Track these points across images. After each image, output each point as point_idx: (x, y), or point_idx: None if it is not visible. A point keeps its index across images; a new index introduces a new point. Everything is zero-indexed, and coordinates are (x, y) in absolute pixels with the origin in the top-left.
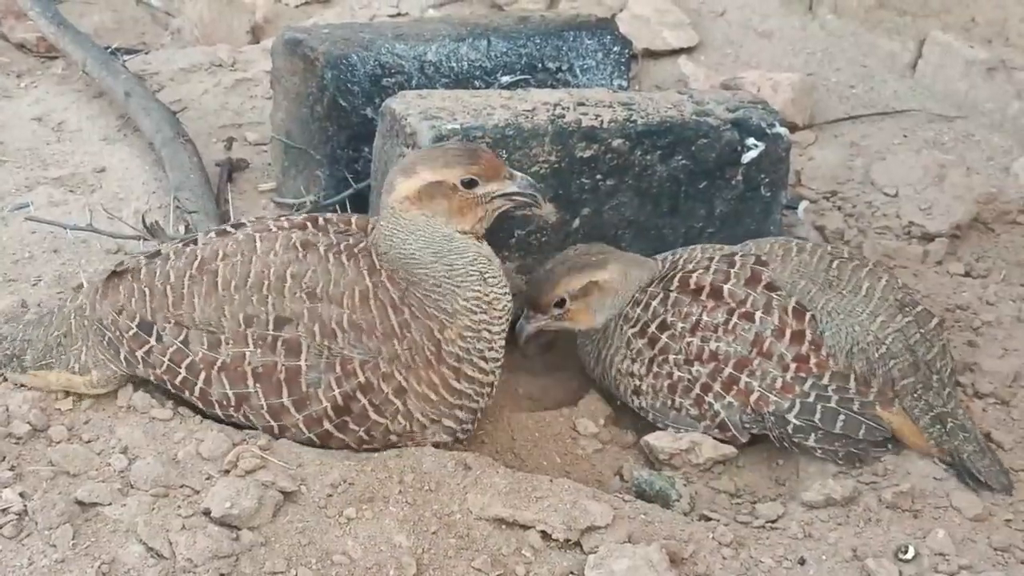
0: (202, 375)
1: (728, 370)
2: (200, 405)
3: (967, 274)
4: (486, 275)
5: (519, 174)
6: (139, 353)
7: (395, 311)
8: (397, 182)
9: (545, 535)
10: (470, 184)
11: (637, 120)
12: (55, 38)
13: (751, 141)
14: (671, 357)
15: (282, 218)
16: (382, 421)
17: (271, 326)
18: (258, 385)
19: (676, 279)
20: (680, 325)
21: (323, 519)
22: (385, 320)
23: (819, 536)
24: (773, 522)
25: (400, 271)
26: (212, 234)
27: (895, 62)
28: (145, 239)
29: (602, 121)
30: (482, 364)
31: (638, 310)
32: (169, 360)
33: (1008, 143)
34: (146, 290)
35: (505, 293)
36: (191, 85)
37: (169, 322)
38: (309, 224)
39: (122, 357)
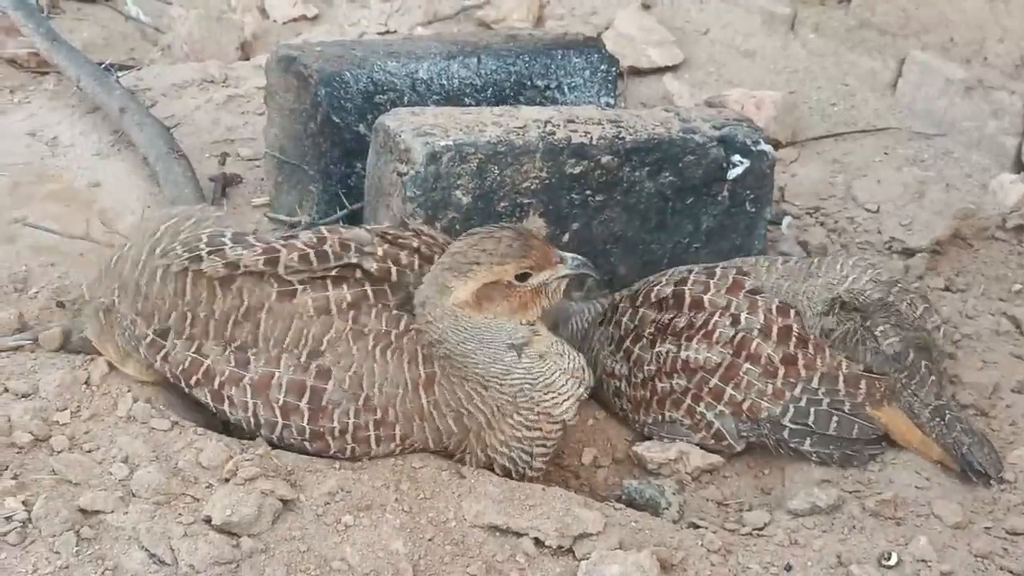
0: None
1: (714, 380)
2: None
3: (947, 288)
4: (548, 384)
5: (568, 255)
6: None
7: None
8: (451, 284)
9: (538, 542)
10: (524, 277)
11: (626, 137)
12: (49, 54)
13: (736, 158)
14: (646, 368)
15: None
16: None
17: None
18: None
19: (641, 294)
20: (648, 332)
21: (321, 526)
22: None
23: (804, 543)
24: (760, 530)
25: (453, 366)
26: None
27: (875, 81)
28: None
29: (591, 138)
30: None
31: (611, 328)
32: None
33: (986, 160)
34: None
35: (567, 398)
36: (183, 101)
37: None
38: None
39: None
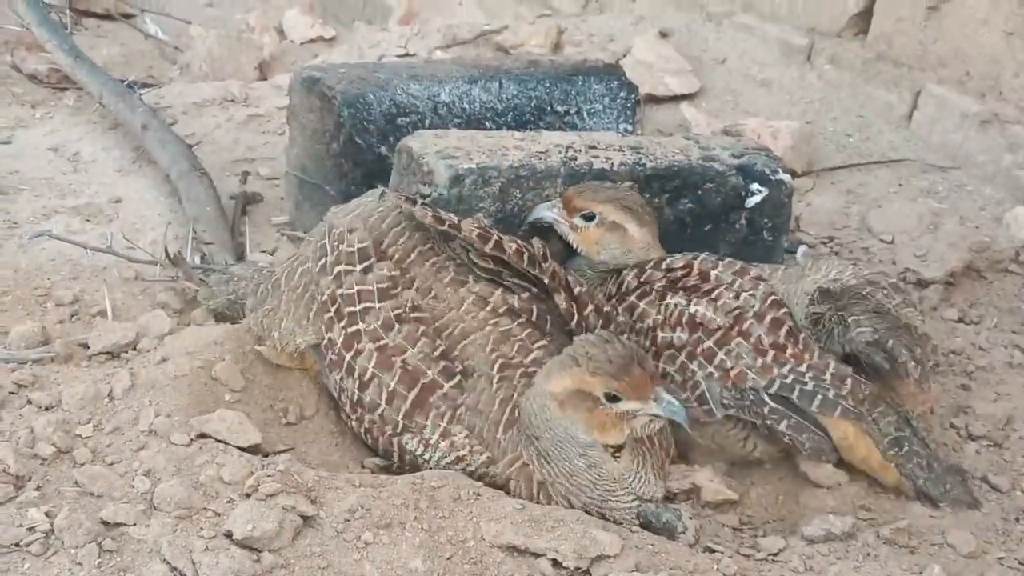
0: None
1: (710, 342)
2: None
3: (960, 320)
4: (611, 492)
5: (666, 396)
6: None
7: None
8: (554, 373)
9: (556, 563)
10: (613, 399)
11: (646, 164)
12: (71, 70)
13: (755, 186)
14: (652, 318)
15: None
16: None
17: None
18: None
19: (649, 264)
20: (658, 287)
21: (341, 543)
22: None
23: (819, 570)
24: (775, 555)
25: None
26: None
27: (891, 113)
28: (163, 266)
29: (612, 164)
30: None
31: (609, 286)
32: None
33: (1000, 194)
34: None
35: (629, 506)
36: (204, 119)
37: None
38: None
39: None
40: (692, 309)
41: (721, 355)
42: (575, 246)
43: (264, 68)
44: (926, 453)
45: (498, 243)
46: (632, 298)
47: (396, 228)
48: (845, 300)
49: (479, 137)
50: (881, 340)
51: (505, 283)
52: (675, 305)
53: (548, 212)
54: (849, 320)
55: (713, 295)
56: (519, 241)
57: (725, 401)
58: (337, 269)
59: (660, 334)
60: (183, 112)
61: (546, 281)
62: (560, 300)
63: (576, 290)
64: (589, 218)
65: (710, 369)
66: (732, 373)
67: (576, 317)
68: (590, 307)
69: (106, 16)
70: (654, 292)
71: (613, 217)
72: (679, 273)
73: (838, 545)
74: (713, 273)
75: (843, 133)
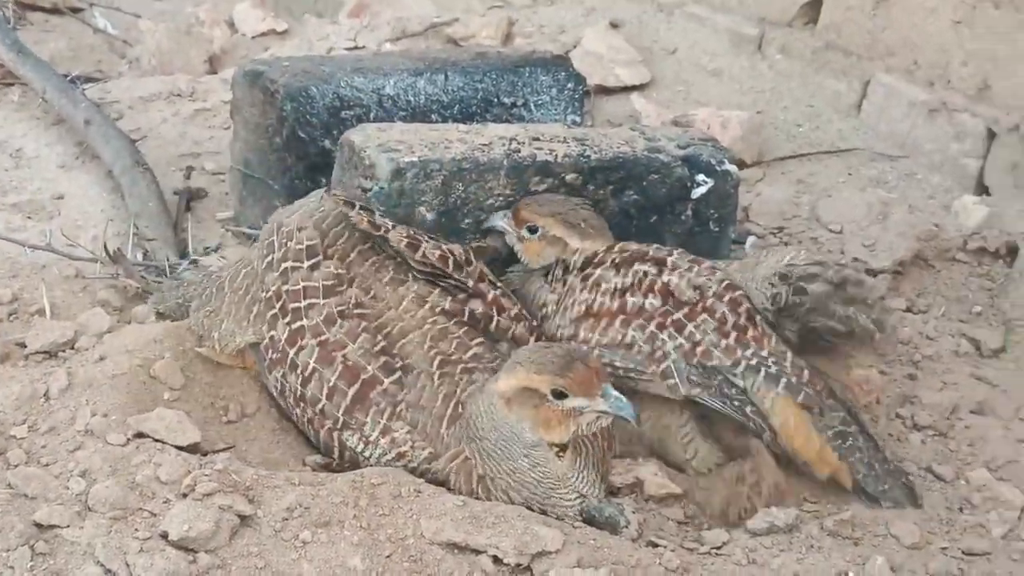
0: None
1: (679, 314)
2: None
3: (908, 309)
4: (554, 490)
5: (614, 394)
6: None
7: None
8: (501, 375)
9: (497, 560)
10: (560, 396)
11: (590, 155)
12: (14, 65)
13: (701, 177)
14: (617, 281)
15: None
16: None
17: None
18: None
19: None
20: (613, 259)
21: (279, 542)
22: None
23: (762, 562)
24: (718, 548)
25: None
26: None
27: (840, 102)
28: (104, 263)
29: (556, 156)
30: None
31: (557, 270)
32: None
33: (948, 183)
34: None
35: (572, 503)
36: (150, 114)
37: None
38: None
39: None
40: (665, 278)
41: (691, 327)
42: (520, 257)
43: (215, 62)
44: (870, 451)
45: (424, 252)
46: (588, 268)
47: (336, 228)
48: (801, 273)
49: (423, 130)
50: (838, 309)
51: (442, 284)
52: (645, 273)
53: (500, 221)
54: (808, 288)
55: (676, 274)
56: (443, 247)
57: (692, 378)
58: (284, 265)
59: (630, 298)
60: (129, 107)
61: (469, 285)
62: (476, 304)
63: (491, 295)
64: (533, 231)
65: (680, 340)
66: (699, 350)
67: (495, 319)
68: (513, 310)
69: (53, 10)
70: (610, 262)
71: (554, 231)
72: (632, 252)
73: (781, 537)
74: (669, 259)
75: (793, 123)
